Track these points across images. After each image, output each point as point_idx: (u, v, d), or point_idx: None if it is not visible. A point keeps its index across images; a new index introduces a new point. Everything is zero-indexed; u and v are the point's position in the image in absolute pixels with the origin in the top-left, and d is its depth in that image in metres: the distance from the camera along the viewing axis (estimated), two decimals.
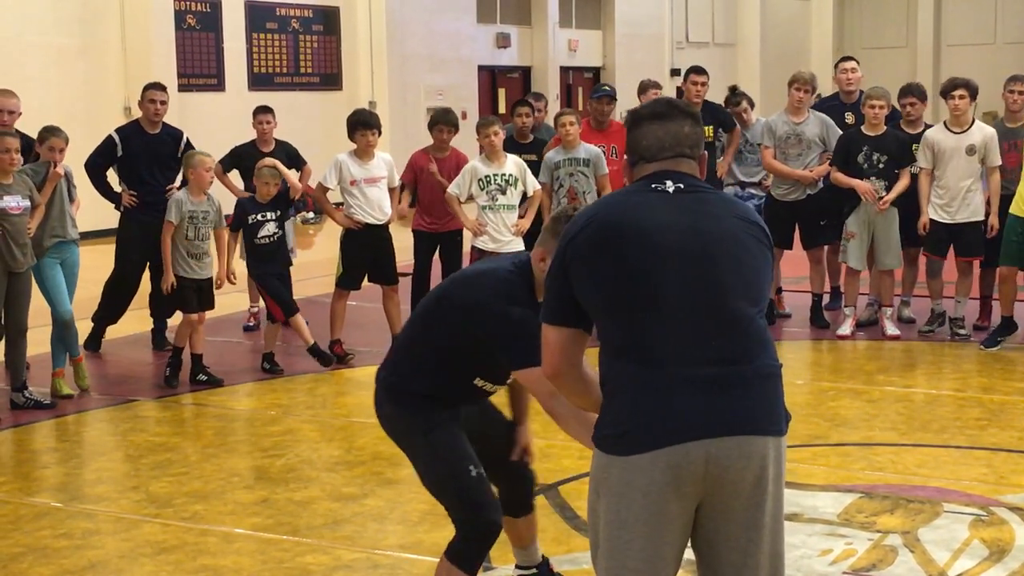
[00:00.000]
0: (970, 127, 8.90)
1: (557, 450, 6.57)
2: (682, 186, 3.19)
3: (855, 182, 8.90)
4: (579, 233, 3.13)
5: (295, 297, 8.76)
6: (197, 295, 8.16)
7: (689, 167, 3.26)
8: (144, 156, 8.86)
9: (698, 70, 9.72)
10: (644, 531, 3.04)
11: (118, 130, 9.26)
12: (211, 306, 8.33)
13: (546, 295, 3.25)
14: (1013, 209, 8.58)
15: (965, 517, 5.30)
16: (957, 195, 8.86)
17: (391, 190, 8.86)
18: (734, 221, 3.16)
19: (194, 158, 8.26)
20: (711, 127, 9.55)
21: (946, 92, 9.02)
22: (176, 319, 8.56)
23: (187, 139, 9.21)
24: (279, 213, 8.59)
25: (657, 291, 3.05)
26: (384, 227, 8.78)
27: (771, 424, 3.06)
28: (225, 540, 5.33)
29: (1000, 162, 8.88)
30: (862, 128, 9.07)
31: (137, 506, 5.84)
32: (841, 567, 4.50)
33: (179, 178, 9.12)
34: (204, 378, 8.16)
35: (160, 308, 8.97)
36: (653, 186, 3.18)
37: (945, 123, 9.00)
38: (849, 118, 9.61)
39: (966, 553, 4.99)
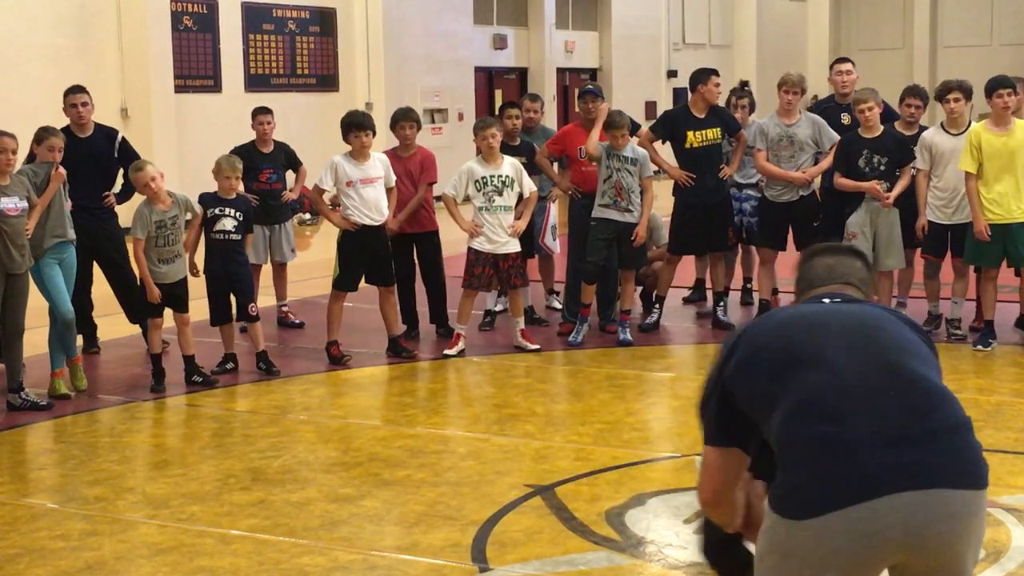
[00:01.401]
0: (967, 129, 8.92)
1: (554, 451, 6.58)
2: (839, 300, 3.12)
3: (860, 184, 8.92)
4: (731, 355, 3.01)
5: (293, 298, 8.77)
6: (169, 299, 8.07)
7: (855, 293, 3.19)
8: (77, 160, 8.62)
9: (716, 72, 9.72)
10: None
11: None
12: (184, 309, 8.21)
13: (704, 418, 3.07)
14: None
15: None
16: (955, 196, 8.87)
17: (388, 190, 8.85)
18: (894, 320, 3.05)
19: (135, 174, 8.08)
20: (718, 129, 9.55)
21: (941, 95, 9.03)
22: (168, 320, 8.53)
23: (123, 138, 9.07)
24: (241, 215, 8.43)
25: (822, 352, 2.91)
26: (381, 228, 8.78)
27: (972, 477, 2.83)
28: (222, 541, 5.33)
29: None
30: (859, 132, 9.08)
31: (134, 507, 5.84)
32: None
33: (118, 183, 9.08)
34: (199, 379, 8.15)
35: (135, 312, 8.89)
36: (811, 300, 3.17)
37: (942, 125, 9.01)
38: (845, 119, 9.61)
39: None
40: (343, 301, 8.87)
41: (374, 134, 8.81)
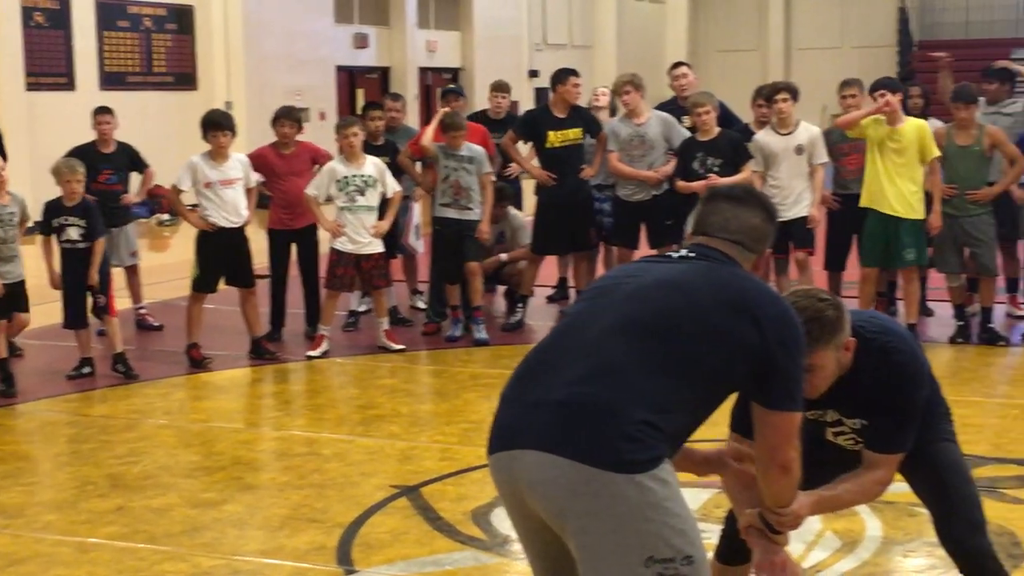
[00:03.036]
0: (796, 128, 9.13)
1: (419, 452, 6.57)
2: (693, 255, 3.17)
3: (691, 184, 9.05)
4: None
5: (152, 300, 8.62)
6: (7, 299, 7.86)
7: (735, 252, 3.20)
8: None
9: (576, 73, 9.79)
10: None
11: None
12: (25, 309, 8.00)
13: None
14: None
15: None
16: (791, 194, 9.07)
17: (248, 191, 8.75)
18: (701, 288, 3.05)
19: None
20: (580, 129, 9.63)
21: (770, 96, 9.25)
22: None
23: None
24: (85, 222, 8.18)
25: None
26: (240, 230, 8.67)
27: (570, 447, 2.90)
28: (79, 550, 5.21)
29: (826, 159, 9.12)
30: (695, 135, 9.25)
31: None
32: None
33: None
34: (2, 387, 7.88)
35: None
36: (669, 254, 3.22)
37: (772, 125, 9.21)
38: (687, 122, 9.72)
39: (820, 545, 5.11)
40: (203, 303, 8.74)
41: (233, 135, 8.69)
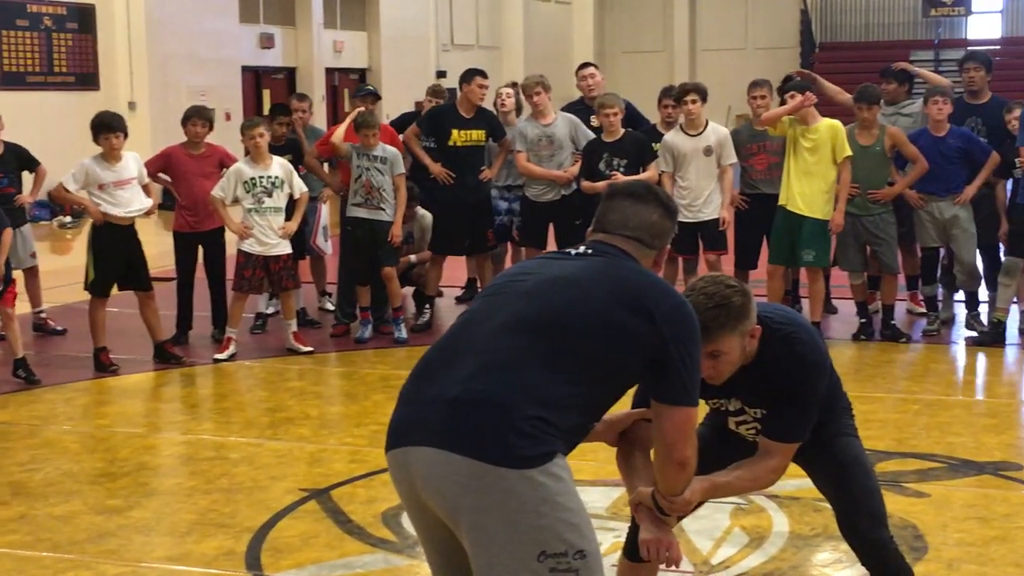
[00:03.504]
0: (705, 129, 9.23)
1: (329, 454, 6.54)
2: (591, 251, 3.20)
3: (595, 185, 9.10)
4: None
5: (54, 304, 8.45)
6: None
7: (633, 248, 3.23)
8: None
9: (482, 73, 9.79)
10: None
11: None
12: None
13: None
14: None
15: (726, 506, 5.49)
16: (700, 195, 9.17)
17: (144, 187, 8.62)
18: (595, 285, 3.07)
19: None
20: (483, 131, 9.64)
21: (679, 97, 9.34)
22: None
23: None
24: None
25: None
26: (134, 230, 8.52)
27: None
28: None
29: (734, 160, 9.23)
30: (601, 135, 9.31)
31: None
32: (611, 560, 4.60)
33: None
34: None
35: None
36: (568, 250, 3.23)
37: (681, 126, 9.30)
38: (595, 122, 9.78)
39: (728, 541, 5.17)
40: (104, 306, 8.59)
41: (125, 136, 8.56)
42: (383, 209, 9.09)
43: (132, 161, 8.58)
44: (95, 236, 8.50)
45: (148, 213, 8.63)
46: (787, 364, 3.63)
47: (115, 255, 8.48)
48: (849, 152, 8.69)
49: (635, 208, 3.28)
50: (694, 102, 9.15)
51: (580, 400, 3.00)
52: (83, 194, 8.51)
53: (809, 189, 8.71)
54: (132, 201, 8.48)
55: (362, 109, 9.57)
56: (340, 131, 9.30)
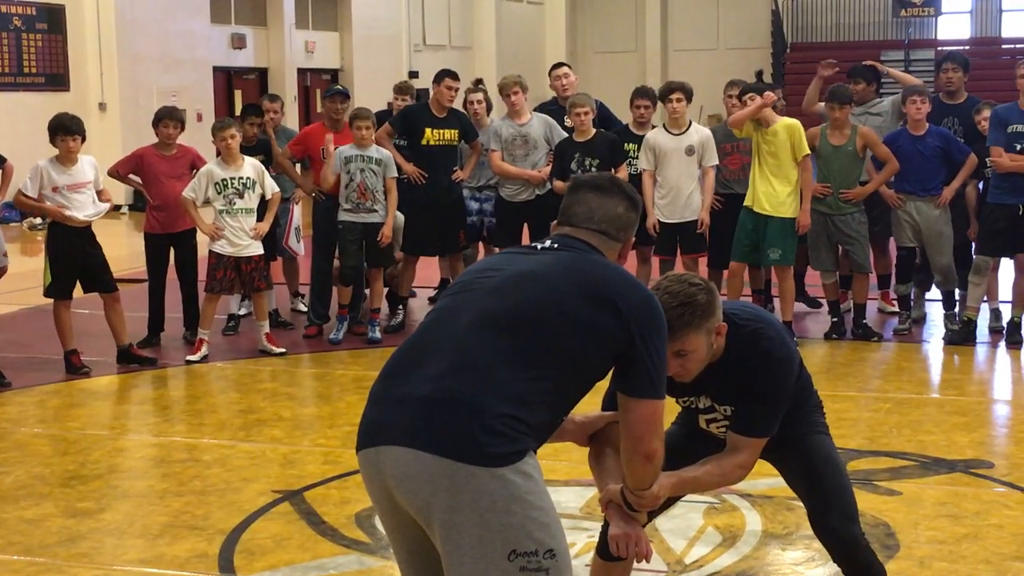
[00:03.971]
0: (688, 128, 9.24)
1: (302, 456, 6.52)
2: (556, 246, 3.20)
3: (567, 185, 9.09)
4: None
5: (22, 306, 8.38)
6: None
7: (599, 242, 3.24)
8: None
9: (453, 75, 9.78)
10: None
11: None
12: None
13: None
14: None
15: (699, 506, 5.50)
16: (680, 195, 9.18)
17: (99, 192, 8.56)
18: (562, 281, 3.07)
19: None
20: (456, 131, 9.63)
21: (664, 96, 9.35)
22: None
23: None
24: None
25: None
26: (89, 231, 8.46)
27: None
28: None
29: (716, 162, 9.25)
30: (573, 136, 9.31)
31: None
32: (584, 560, 4.61)
33: None
34: None
35: None
36: (535, 244, 3.23)
37: (664, 125, 9.32)
38: (568, 122, 9.79)
39: (701, 540, 5.18)
40: (68, 308, 8.52)
41: (83, 139, 8.50)
42: (376, 211, 9.07)
43: (88, 165, 8.50)
44: (50, 239, 8.45)
45: (99, 213, 8.51)
46: (754, 361, 3.64)
47: (71, 258, 8.40)
48: (807, 150, 8.71)
49: (600, 201, 3.29)
50: (679, 100, 9.16)
51: (548, 396, 3.00)
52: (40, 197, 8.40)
53: (774, 190, 8.75)
54: (87, 205, 8.42)
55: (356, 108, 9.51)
56: (328, 174, 9.20)
